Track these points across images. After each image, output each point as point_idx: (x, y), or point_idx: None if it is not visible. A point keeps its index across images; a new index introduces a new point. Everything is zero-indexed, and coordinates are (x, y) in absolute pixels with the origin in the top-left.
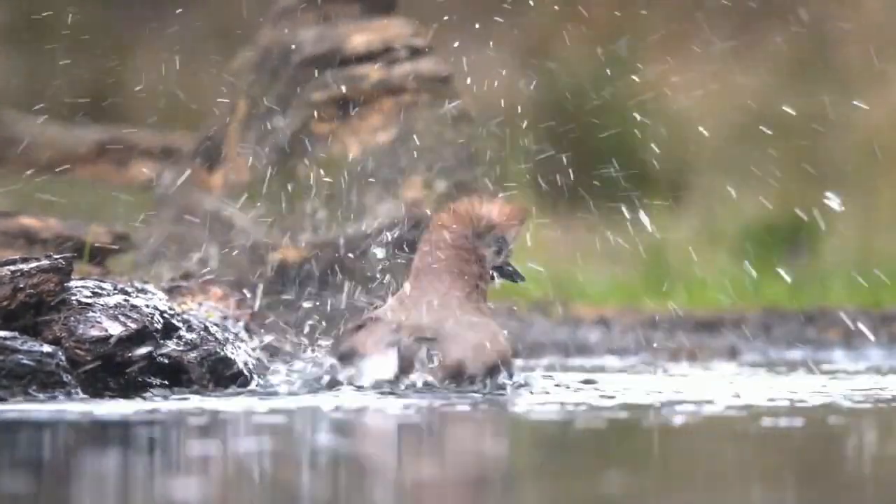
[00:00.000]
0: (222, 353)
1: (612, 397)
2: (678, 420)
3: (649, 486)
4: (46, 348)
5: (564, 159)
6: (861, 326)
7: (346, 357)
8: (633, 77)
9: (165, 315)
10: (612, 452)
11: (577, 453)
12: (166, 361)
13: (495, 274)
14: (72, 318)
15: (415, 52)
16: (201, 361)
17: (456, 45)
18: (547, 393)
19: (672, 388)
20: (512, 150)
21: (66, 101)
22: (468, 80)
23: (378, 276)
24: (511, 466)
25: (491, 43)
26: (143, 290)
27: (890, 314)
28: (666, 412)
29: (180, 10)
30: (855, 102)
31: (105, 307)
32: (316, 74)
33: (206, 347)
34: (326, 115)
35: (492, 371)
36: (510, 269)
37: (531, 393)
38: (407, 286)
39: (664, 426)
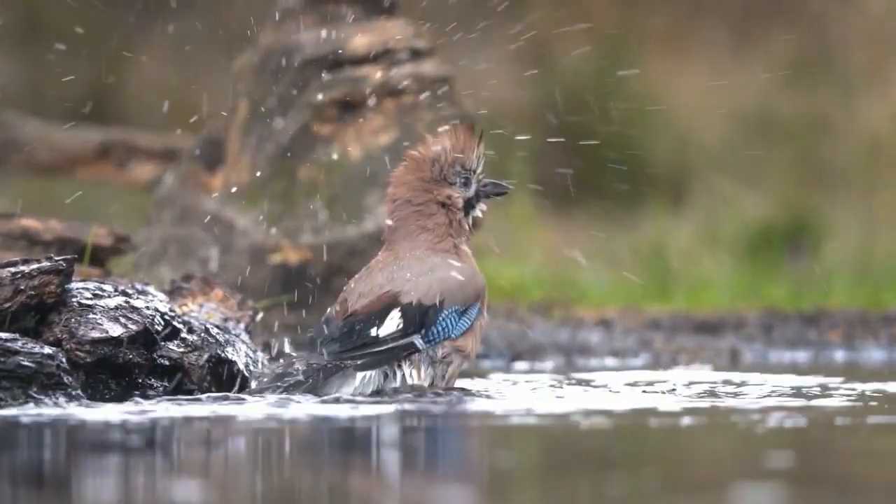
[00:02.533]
0: (223, 355)
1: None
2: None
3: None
4: (47, 350)
5: (565, 161)
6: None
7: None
8: (634, 78)
9: (166, 317)
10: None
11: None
12: (167, 363)
13: (479, 202)
14: (72, 320)
15: (416, 54)
16: (203, 364)
17: (456, 46)
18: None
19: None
20: (513, 151)
21: (67, 103)
22: (469, 82)
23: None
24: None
25: (492, 44)
26: (143, 292)
27: (891, 315)
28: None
29: (180, 12)
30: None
31: (106, 309)
32: (317, 76)
33: (207, 349)
34: (327, 116)
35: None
36: (489, 187)
37: (488, 397)
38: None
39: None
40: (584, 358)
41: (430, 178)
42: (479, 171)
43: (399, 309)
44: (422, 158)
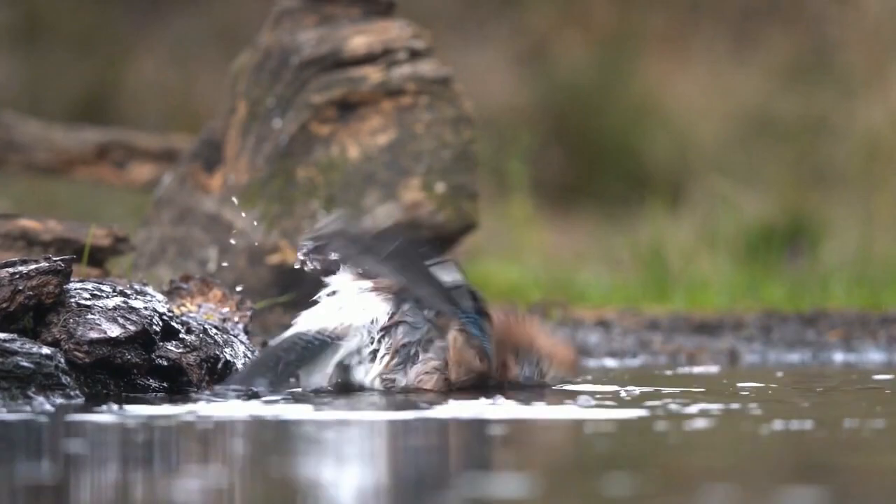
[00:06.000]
0: (222, 356)
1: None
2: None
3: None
4: (45, 350)
5: (564, 161)
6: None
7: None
8: (634, 78)
9: (164, 317)
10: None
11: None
12: (165, 364)
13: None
14: (71, 320)
15: (414, 55)
16: (201, 364)
17: (456, 47)
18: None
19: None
20: (511, 151)
21: (67, 103)
22: (468, 82)
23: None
24: None
25: (491, 45)
26: (142, 293)
27: (890, 316)
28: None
29: (179, 12)
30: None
31: (104, 309)
32: (316, 76)
33: (205, 349)
34: (326, 116)
35: None
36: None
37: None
38: None
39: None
40: (582, 358)
41: (510, 348)
42: (543, 378)
43: None
44: (518, 333)
